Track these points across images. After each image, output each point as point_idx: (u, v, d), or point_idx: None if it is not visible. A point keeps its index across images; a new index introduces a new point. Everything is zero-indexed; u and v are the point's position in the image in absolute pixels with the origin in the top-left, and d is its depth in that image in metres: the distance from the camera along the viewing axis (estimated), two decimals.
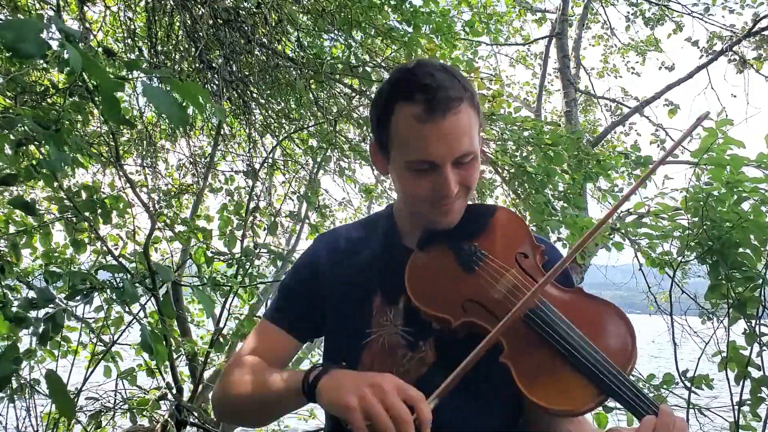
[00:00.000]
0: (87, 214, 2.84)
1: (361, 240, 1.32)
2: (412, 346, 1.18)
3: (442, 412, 1.12)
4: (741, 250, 2.48)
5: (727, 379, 2.64)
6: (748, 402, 2.55)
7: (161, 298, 2.75)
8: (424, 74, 1.08)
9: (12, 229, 3.24)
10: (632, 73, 9.21)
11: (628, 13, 8.40)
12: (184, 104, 1.28)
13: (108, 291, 2.38)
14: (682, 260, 2.86)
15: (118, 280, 2.50)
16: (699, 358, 2.87)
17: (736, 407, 2.60)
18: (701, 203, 2.52)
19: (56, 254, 3.45)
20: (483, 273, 1.14)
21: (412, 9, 3.65)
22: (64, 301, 2.34)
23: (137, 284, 2.56)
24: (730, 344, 2.59)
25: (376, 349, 1.20)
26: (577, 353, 1.01)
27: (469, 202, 1.22)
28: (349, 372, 1.03)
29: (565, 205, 3.52)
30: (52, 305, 2.24)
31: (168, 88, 1.32)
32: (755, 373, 2.54)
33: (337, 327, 1.26)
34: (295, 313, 1.30)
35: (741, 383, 2.54)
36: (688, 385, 2.79)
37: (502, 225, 1.22)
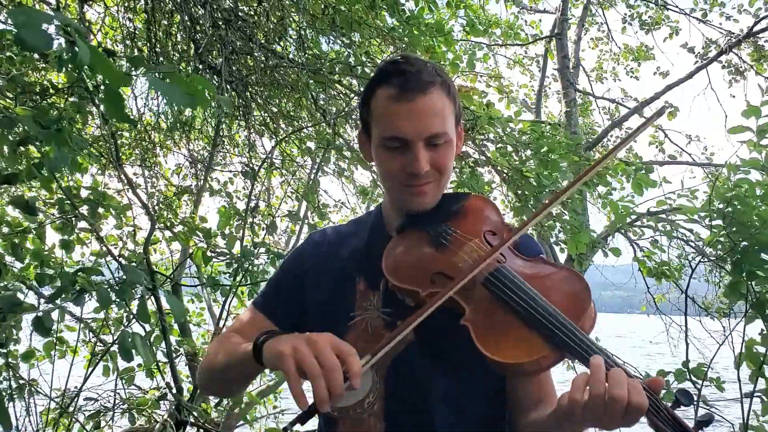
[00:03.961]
0: (85, 213, 2.84)
1: (350, 234, 1.40)
2: (390, 325, 1.23)
3: (421, 391, 1.19)
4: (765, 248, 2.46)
5: (738, 379, 2.63)
6: (759, 394, 2.53)
7: (137, 303, 2.72)
8: (403, 62, 1.21)
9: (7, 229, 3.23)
10: (631, 76, 9.23)
11: (625, 15, 8.43)
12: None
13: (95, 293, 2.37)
14: (701, 260, 2.86)
15: (105, 282, 2.48)
16: (712, 359, 2.88)
17: (746, 402, 2.60)
18: (726, 202, 2.51)
19: (46, 254, 3.44)
20: (450, 247, 1.21)
21: (407, 16, 3.66)
22: (59, 302, 2.34)
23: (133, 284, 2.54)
24: (746, 342, 2.58)
25: (359, 331, 1.26)
26: (531, 309, 1.05)
27: (447, 191, 1.30)
28: (293, 334, 1.08)
29: (563, 210, 3.54)
30: (42, 309, 2.23)
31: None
32: None
33: (322, 311, 1.32)
34: (278, 303, 1.38)
35: (755, 382, 2.53)
36: (699, 382, 2.79)
37: (474, 209, 1.30)
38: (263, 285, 1.64)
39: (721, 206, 2.61)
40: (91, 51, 1.05)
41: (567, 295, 1.10)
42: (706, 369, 2.84)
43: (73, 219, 3.02)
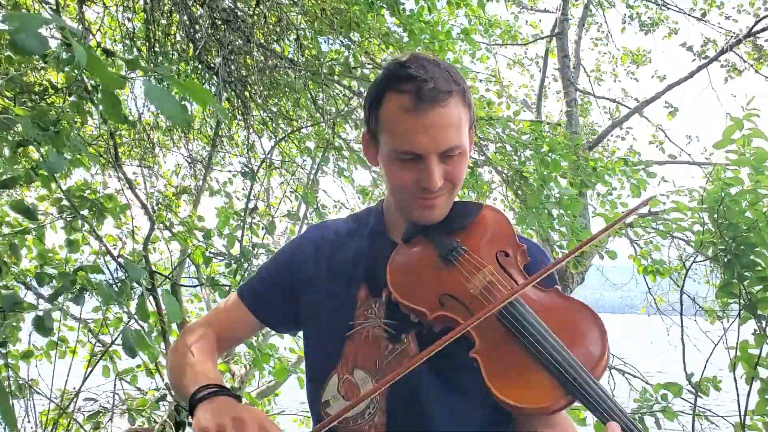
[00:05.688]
0: (85, 213, 2.84)
1: (349, 233, 1.32)
2: (394, 338, 1.18)
3: (423, 405, 1.15)
4: (756, 249, 2.45)
5: (735, 379, 2.62)
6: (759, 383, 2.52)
7: (138, 300, 2.71)
8: (416, 66, 1.10)
9: (8, 230, 3.24)
10: (631, 78, 9.24)
11: (625, 15, 8.43)
12: (183, 103, 1.28)
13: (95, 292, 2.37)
14: (695, 260, 2.84)
15: (105, 282, 2.48)
16: (707, 359, 2.87)
17: (742, 406, 2.59)
18: (717, 203, 2.49)
19: (50, 255, 3.44)
20: (461, 268, 1.14)
21: (407, 15, 3.65)
22: (59, 302, 2.34)
23: (134, 283, 2.54)
24: (740, 344, 2.56)
25: (359, 340, 1.20)
26: (546, 353, 1.00)
27: (457, 199, 1.23)
28: (229, 401, 1.04)
29: (561, 212, 3.55)
30: (42, 308, 2.23)
31: (168, 86, 1.32)
32: (764, 374, 2.53)
33: (320, 317, 1.26)
34: (264, 296, 1.32)
35: (750, 383, 2.52)
36: (694, 390, 2.78)
37: (486, 223, 1.23)
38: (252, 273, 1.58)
39: (711, 207, 2.60)
40: (88, 54, 1.04)
41: (585, 339, 1.03)
42: (706, 384, 2.82)
43: (74, 219, 3.02)
